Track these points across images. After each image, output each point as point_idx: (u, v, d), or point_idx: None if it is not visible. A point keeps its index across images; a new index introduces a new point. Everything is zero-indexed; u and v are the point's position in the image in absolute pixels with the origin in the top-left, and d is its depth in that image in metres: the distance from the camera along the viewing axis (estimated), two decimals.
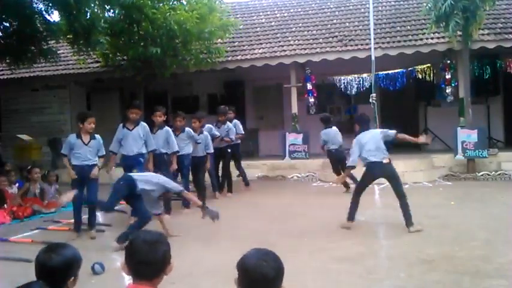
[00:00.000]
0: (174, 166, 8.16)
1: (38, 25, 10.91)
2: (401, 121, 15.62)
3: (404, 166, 11.32)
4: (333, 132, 10.09)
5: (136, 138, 7.56)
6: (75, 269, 2.30)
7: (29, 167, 9.74)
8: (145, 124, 7.78)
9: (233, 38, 13.97)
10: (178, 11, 11.70)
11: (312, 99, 13.61)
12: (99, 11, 10.98)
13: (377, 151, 6.65)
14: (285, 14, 16.41)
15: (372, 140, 6.76)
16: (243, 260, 2.00)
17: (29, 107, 15.44)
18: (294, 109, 13.61)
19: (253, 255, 2.01)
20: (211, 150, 9.31)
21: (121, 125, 7.81)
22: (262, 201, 9.25)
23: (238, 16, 16.55)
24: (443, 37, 12.37)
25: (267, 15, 16.72)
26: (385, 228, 6.82)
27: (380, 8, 15.16)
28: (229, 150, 10.17)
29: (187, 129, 8.71)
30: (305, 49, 13.50)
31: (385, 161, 6.64)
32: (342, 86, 13.50)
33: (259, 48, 14.10)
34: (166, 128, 8.30)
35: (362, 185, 6.96)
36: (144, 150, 7.63)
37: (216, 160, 10.04)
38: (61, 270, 2.23)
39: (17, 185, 9.41)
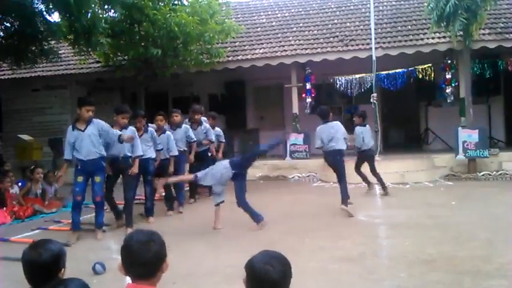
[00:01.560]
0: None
1: (39, 25, 10.91)
2: (402, 121, 15.69)
3: (405, 166, 11.36)
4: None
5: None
6: (63, 261, 2.38)
7: (32, 167, 9.75)
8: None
9: (234, 38, 13.97)
10: (179, 12, 11.69)
11: (309, 100, 13.59)
12: (99, 12, 10.99)
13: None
14: (286, 14, 16.41)
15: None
16: (251, 263, 2.01)
17: (30, 107, 15.47)
18: (295, 109, 13.61)
19: (260, 258, 2.02)
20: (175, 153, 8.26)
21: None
22: (263, 201, 9.24)
23: (239, 16, 16.57)
24: (444, 37, 12.36)
25: (268, 15, 16.73)
26: (386, 228, 6.82)
27: (381, 8, 15.16)
28: (209, 154, 9.58)
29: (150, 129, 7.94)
30: (306, 49, 13.50)
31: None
32: (343, 86, 13.50)
33: (260, 48, 14.10)
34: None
35: None
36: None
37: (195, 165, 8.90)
38: (52, 264, 2.30)
39: (19, 184, 9.42)
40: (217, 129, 10.38)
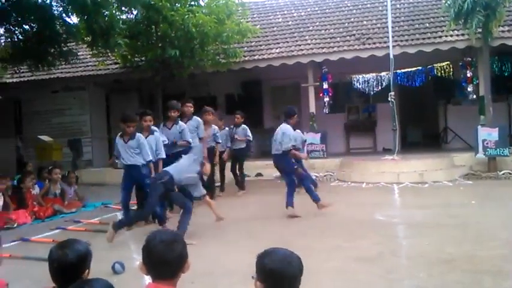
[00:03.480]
0: None
1: (58, 27, 11.06)
2: (420, 120, 15.55)
3: (424, 165, 11.24)
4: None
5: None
6: (89, 262, 2.42)
7: (49, 168, 9.87)
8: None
9: (250, 38, 13.97)
10: (197, 13, 11.74)
11: (327, 99, 13.54)
12: (117, 13, 11.09)
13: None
14: (302, 13, 16.37)
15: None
16: (266, 260, 2.02)
17: (49, 108, 15.67)
18: (312, 108, 13.57)
19: (275, 256, 2.04)
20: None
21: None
22: (280, 200, 9.23)
23: (255, 16, 16.58)
24: (462, 34, 12.23)
25: (284, 14, 16.71)
26: (404, 228, 6.77)
27: (398, 6, 15.04)
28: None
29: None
30: (322, 48, 13.46)
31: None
32: (360, 84, 13.42)
33: (277, 48, 14.09)
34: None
35: None
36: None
37: None
38: (77, 264, 2.34)
39: (36, 186, 9.54)
40: (214, 127, 9.62)
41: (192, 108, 8.77)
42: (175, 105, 8.25)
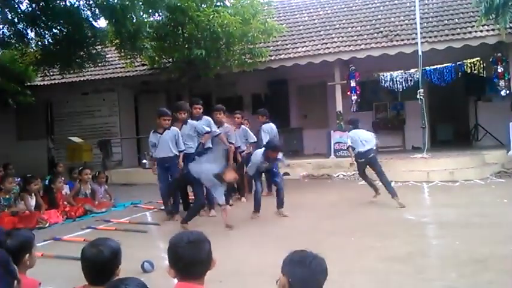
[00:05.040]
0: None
1: (86, 31, 11.25)
2: (450, 117, 15.27)
3: (454, 163, 11.02)
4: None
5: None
6: (120, 259, 2.48)
7: (80, 168, 10.05)
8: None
9: (276, 37, 13.96)
10: (222, 13, 11.79)
11: (354, 97, 13.42)
12: (144, 16, 11.22)
13: None
14: (328, 11, 16.27)
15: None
16: (295, 263, 2.01)
17: (79, 110, 15.99)
18: (339, 107, 13.48)
19: (299, 258, 2.03)
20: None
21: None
22: (308, 200, 9.21)
23: (280, 14, 16.55)
24: (492, 29, 11.97)
25: (310, 13, 16.63)
26: (435, 227, 6.66)
27: (426, 1, 14.80)
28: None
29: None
30: (349, 46, 13.36)
31: None
32: (388, 82, 13.25)
33: (303, 47, 14.04)
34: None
35: None
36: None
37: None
38: (111, 261, 2.40)
39: (67, 185, 9.73)
40: (227, 126, 9.17)
41: (201, 110, 8.46)
42: (183, 106, 8.24)
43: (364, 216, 7.45)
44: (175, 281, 2.26)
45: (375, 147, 8.60)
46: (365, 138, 8.59)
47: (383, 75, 13.26)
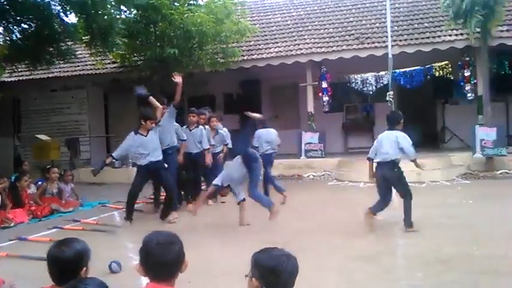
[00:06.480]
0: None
1: (56, 26, 11.03)
2: (418, 119, 15.50)
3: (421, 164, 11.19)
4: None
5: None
6: (86, 260, 2.43)
7: (48, 167, 9.85)
8: None
9: (249, 37, 13.96)
10: (196, 12, 11.72)
11: (326, 98, 13.53)
12: (116, 13, 11.07)
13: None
14: (301, 13, 16.36)
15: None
16: (263, 258, 2.03)
17: (47, 107, 15.66)
18: (310, 108, 13.57)
19: (270, 254, 2.06)
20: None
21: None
22: (278, 200, 9.22)
23: (254, 15, 16.55)
24: (461, 34, 12.24)
25: (283, 13, 16.70)
26: (402, 228, 6.75)
27: (397, 5, 15.03)
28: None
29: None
30: (321, 47, 13.46)
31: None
32: (359, 84, 13.41)
33: (275, 47, 14.09)
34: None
35: None
36: None
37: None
38: (74, 262, 2.36)
39: (39, 183, 9.50)
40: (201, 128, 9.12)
41: (195, 118, 8.91)
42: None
43: (333, 216, 7.52)
44: (143, 282, 2.24)
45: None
46: (268, 139, 8.98)
47: (354, 77, 13.42)
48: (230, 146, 9.57)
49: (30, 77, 14.76)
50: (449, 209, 7.66)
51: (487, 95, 11.55)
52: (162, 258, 2.13)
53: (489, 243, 5.57)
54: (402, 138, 6.47)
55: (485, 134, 11.43)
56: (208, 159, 8.81)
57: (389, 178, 6.46)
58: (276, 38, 14.75)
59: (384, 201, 6.57)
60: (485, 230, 6.28)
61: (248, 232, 6.62)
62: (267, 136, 9.13)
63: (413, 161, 6.75)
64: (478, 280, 4.37)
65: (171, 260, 2.15)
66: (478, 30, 11.28)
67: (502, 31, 12.09)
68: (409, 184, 6.65)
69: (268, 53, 13.81)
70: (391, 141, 6.45)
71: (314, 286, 4.22)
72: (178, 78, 8.01)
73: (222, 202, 8.78)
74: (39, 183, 9.48)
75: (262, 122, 9.23)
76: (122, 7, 11.39)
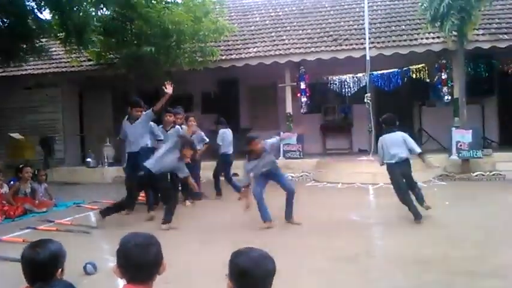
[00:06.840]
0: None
1: (30, 23, 10.79)
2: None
3: None
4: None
5: None
6: (61, 261, 2.40)
7: (21, 166, 9.62)
8: None
9: (227, 37, 13.89)
10: (173, 10, 11.60)
11: (304, 99, 13.54)
12: (91, 9, 10.88)
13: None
14: (280, 13, 16.35)
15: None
16: (242, 259, 2.00)
17: (21, 105, 15.26)
18: (289, 108, 13.56)
19: (250, 254, 2.02)
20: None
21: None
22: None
23: (232, 14, 16.49)
24: (438, 37, 12.37)
25: (262, 14, 16.66)
26: (380, 229, 6.79)
27: (375, 8, 15.14)
28: None
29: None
30: (300, 48, 13.46)
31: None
32: (337, 85, 13.47)
33: (254, 47, 14.04)
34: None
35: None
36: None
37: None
38: (48, 263, 2.32)
39: (11, 183, 9.27)
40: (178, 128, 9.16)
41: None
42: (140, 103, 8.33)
43: (312, 217, 7.49)
44: (120, 284, 2.18)
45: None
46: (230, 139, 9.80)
47: (332, 79, 13.46)
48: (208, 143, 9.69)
49: (3, 74, 14.40)
50: (425, 210, 7.69)
51: (463, 98, 11.69)
52: (139, 260, 2.07)
53: (465, 245, 5.62)
54: (407, 137, 7.15)
55: (461, 136, 11.56)
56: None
57: (406, 173, 7.21)
58: (254, 38, 14.71)
59: (415, 187, 7.34)
60: (461, 231, 6.35)
61: (226, 234, 6.55)
62: (230, 136, 9.92)
63: (420, 155, 7.33)
64: (455, 281, 4.40)
65: (149, 262, 2.10)
66: (455, 33, 11.41)
67: (478, 35, 12.26)
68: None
69: (246, 53, 13.75)
70: (399, 142, 7.08)
71: (293, 287, 4.19)
72: (169, 89, 7.83)
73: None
74: (12, 182, 9.25)
75: (223, 122, 9.98)
76: (99, 4, 11.18)
